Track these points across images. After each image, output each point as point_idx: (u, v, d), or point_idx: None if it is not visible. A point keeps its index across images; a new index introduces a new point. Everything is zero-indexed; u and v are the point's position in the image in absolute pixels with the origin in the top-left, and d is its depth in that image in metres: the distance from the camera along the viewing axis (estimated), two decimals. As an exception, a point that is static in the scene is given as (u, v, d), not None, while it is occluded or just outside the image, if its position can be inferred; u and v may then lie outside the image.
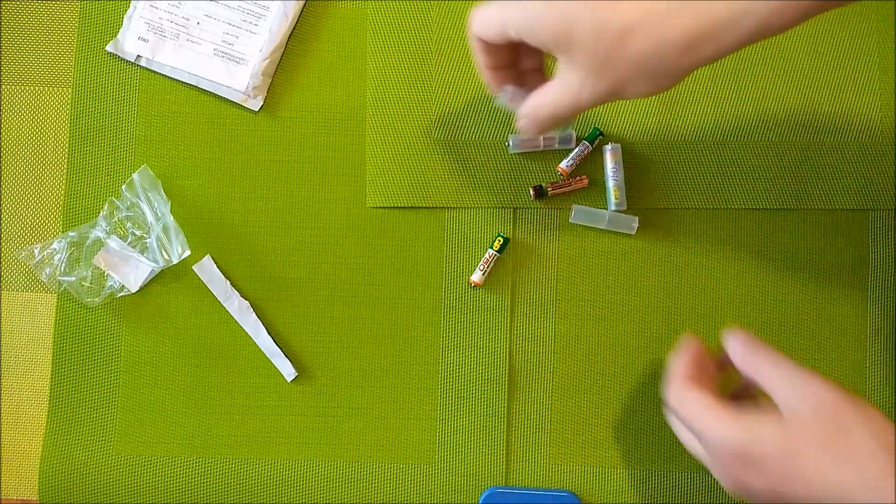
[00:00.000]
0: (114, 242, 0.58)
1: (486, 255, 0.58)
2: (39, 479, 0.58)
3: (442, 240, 0.59)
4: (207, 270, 0.59)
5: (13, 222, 0.60)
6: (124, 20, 0.60)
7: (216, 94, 0.60)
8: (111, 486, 0.58)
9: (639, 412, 0.58)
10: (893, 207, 0.58)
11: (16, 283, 0.60)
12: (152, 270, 0.58)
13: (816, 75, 0.59)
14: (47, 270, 0.58)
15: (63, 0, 0.61)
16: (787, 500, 0.42)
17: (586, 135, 0.59)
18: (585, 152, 0.58)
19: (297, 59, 0.60)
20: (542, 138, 0.58)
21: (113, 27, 0.60)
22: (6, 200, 0.60)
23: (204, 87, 0.60)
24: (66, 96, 0.60)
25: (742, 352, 0.47)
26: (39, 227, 0.60)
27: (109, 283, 0.58)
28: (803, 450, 0.42)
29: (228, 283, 0.59)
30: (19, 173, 0.60)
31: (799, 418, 0.42)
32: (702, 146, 0.59)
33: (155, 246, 0.57)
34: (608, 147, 0.58)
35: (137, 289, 0.58)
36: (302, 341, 0.59)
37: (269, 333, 0.58)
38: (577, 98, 0.43)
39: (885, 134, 0.59)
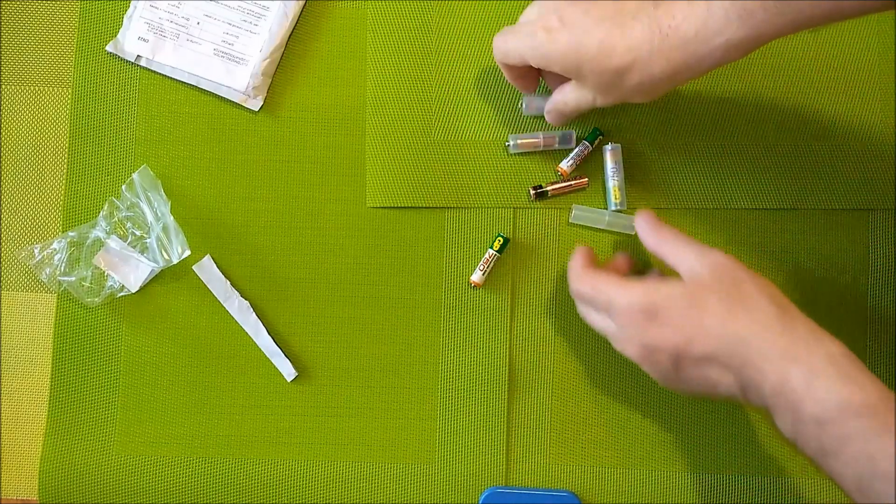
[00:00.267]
0: (114, 242, 0.58)
1: (486, 255, 0.58)
2: (39, 479, 0.58)
3: (442, 240, 0.59)
4: (207, 270, 0.59)
5: (13, 222, 0.60)
6: (124, 20, 0.60)
7: (216, 94, 0.60)
8: (111, 486, 0.58)
9: (639, 412, 0.58)
10: (893, 207, 0.58)
11: (16, 283, 0.60)
12: (152, 270, 0.58)
13: (816, 75, 0.59)
14: (47, 270, 0.58)
15: (63, 0, 0.61)
16: (689, 356, 0.47)
17: (586, 135, 0.59)
18: (585, 152, 0.58)
19: (297, 59, 0.60)
20: (542, 139, 0.58)
21: (113, 27, 0.60)
22: (6, 200, 0.60)
23: (204, 87, 0.60)
24: (66, 96, 0.60)
25: (648, 228, 0.52)
26: (39, 227, 0.60)
27: (109, 283, 0.58)
28: (703, 300, 0.47)
29: (228, 283, 0.59)
30: (19, 173, 0.60)
31: (699, 278, 0.48)
32: (702, 146, 0.59)
33: (155, 246, 0.57)
34: (608, 147, 0.58)
35: (137, 289, 0.58)
36: (302, 341, 0.59)
37: (269, 333, 0.58)
38: (591, 103, 0.52)
39: (885, 134, 0.59)
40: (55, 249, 0.58)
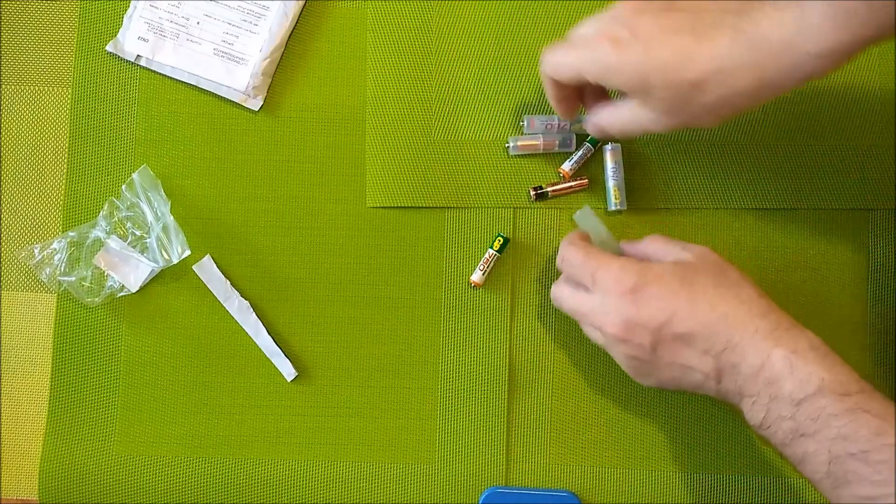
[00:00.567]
0: (114, 242, 0.58)
1: (486, 255, 0.58)
2: (39, 479, 0.58)
3: (442, 240, 0.59)
4: (207, 270, 0.59)
5: (13, 222, 0.60)
6: (124, 20, 0.60)
7: (216, 94, 0.60)
8: (111, 486, 0.58)
9: (639, 412, 0.58)
10: (893, 207, 0.58)
11: (16, 283, 0.60)
12: (152, 270, 0.58)
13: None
14: (47, 270, 0.58)
15: (63, 0, 0.61)
16: (671, 333, 0.47)
17: (588, 137, 0.59)
18: (588, 155, 0.58)
19: (297, 59, 0.60)
20: (542, 142, 0.58)
21: (113, 27, 0.60)
22: (6, 200, 0.60)
23: (204, 87, 0.60)
24: (66, 96, 0.60)
25: (630, 245, 0.53)
26: (39, 227, 0.60)
27: (109, 283, 0.58)
28: (693, 278, 0.47)
29: (228, 283, 0.59)
30: (19, 173, 0.60)
31: (688, 261, 0.49)
32: (701, 146, 0.59)
33: (155, 246, 0.57)
34: (608, 147, 0.58)
35: (137, 289, 0.58)
36: (302, 341, 0.59)
37: (269, 333, 0.58)
38: (644, 128, 0.48)
39: (885, 134, 0.59)
40: (55, 249, 0.58)
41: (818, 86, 0.59)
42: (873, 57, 0.59)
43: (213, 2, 0.60)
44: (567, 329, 0.59)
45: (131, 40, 0.60)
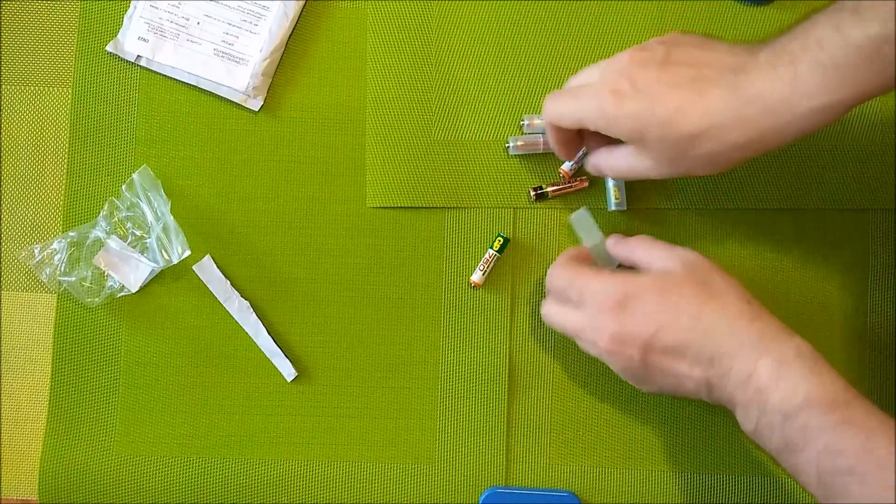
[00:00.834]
0: (114, 242, 0.58)
1: (486, 255, 0.58)
2: (39, 479, 0.58)
3: (442, 240, 0.59)
4: (207, 270, 0.59)
5: (13, 222, 0.60)
6: (124, 20, 0.60)
7: (216, 94, 0.60)
8: (111, 486, 0.58)
9: (639, 412, 0.58)
10: (893, 207, 0.58)
11: (16, 283, 0.60)
12: (152, 270, 0.58)
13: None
14: (47, 270, 0.58)
15: (63, 0, 0.61)
16: (659, 346, 0.47)
17: (586, 135, 0.59)
18: (586, 153, 0.58)
19: (297, 59, 0.60)
20: (542, 142, 0.58)
21: (113, 27, 0.60)
22: (6, 200, 0.60)
23: (204, 87, 0.60)
24: (66, 96, 0.60)
25: (615, 241, 0.53)
26: (39, 227, 0.60)
27: (109, 283, 0.58)
28: (676, 290, 0.48)
29: (228, 283, 0.59)
30: (19, 173, 0.60)
31: (671, 271, 0.49)
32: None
33: (155, 246, 0.57)
34: (608, 147, 0.58)
35: (137, 289, 0.58)
36: (302, 341, 0.59)
37: (269, 333, 0.58)
38: (644, 174, 0.50)
39: (885, 134, 0.59)
40: (55, 249, 0.58)
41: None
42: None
43: (213, 2, 0.60)
44: (567, 329, 0.59)
45: (131, 40, 0.60)
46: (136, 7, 0.60)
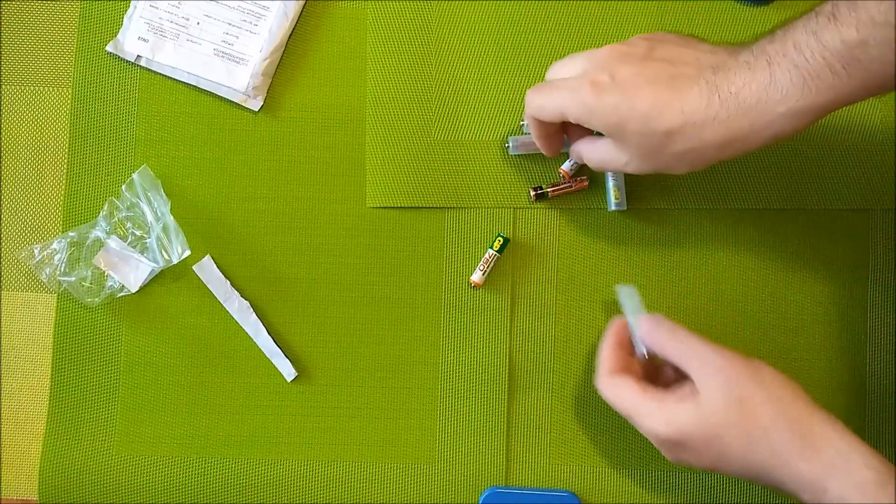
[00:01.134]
0: (114, 242, 0.58)
1: (486, 255, 0.58)
2: (39, 479, 0.58)
3: (442, 240, 0.59)
4: (207, 270, 0.59)
5: (13, 222, 0.60)
6: (124, 20, 0.60)
7: (216, 94, 0.60)
8: (111, 486, 0.58)
9: (639, 412, 0.58)
10: (893, 207, 0.58)
11: (16, 283, 0.60)
12: (152, 270, 0.58)
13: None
14: (47, 270, 0.58)
15: (63, 0, 0.61)
16: (723, 472, 0.48)
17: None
18: (585, 152, 0.58)
19: (297, 59, 0.60)
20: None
21: (113, 27, 0.60)
22: (6, 200, 0.60)
23: (204, 87, 0.60)
24: (66, 96, 0.60)
25: (648, 329, 0.51)
26: (39, 227, 0.60)
27: (109, 283, 0.58)
28: (720, 435, 0.46)
29: (228, 283, 0.59)
30: (19, 173, 0.60)
31: (711, 401, 0.47)
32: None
33: (155, 246, 0.57)
34: (608, 147, 0.58)
35: (137, 289, 0.58)
36: (302, 341, 0.59)
37: (269, 333, 0.58)
38: (622, 167, 0.50)
39: (885, 134, 0.59)
40: (55, 249, 0.58)
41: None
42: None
43: (213, 2, 0.60)
44: (567, 329, 0.59)
45: (131, 40, 0.60)
46: (136, 7, 0.60)
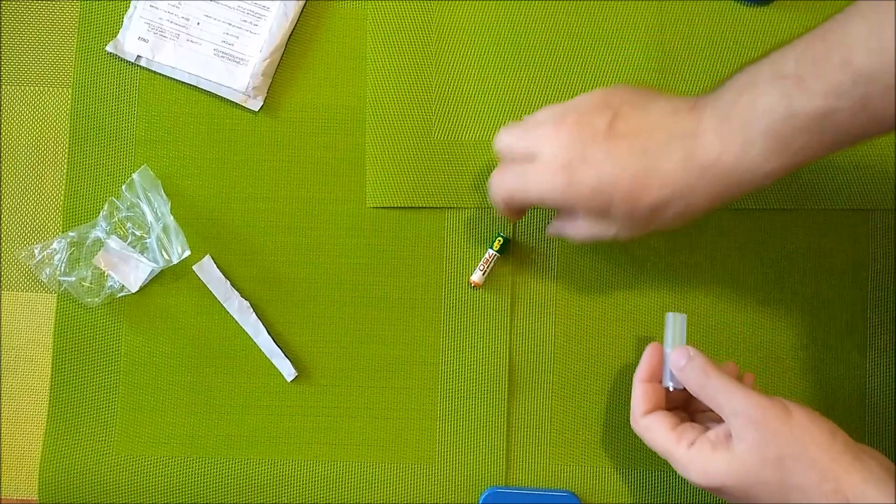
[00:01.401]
0: (114, 242, 0.58)
1: (486, 255, 0.58)
2: (39, 479, 0.58)
3: (442, 240, 0.59)
4: (207, 270, 0.59)
5: (13, 222, 0.60)
6: (124, 20, 0.60)
7: (216, 94, 0.60)
8: (111, 486, 0.58)
9: (639, 412, 0.58)
10: (893, 207, 0.58)
11: (16, 283, 0.60)
12: (152, 270, 0.58)
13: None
14: (47, 270, 0.58)
15: (63, 0, 0.61)
16: None
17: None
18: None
19: (297, 59, 0.60)
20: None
21: (113, 27, 0.60)
22: (6, 200, 0.60)
23: (204, 87, 0.60)
24: (66, 96, 0.60)
25: (682, 376, 0.50)
26: (39, 227, 0.60)
27: (109, 283, 0.58)
28: (756, 490, 0.45)
29: (228, 283, 0.59)
30: (19, 173, 0.60)
31: (746, 458, 0.46)
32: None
33: (155, 246, 0.57)
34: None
35: (137, 289, 0.58)
36: (302, 341, 0.59)
37: (269, 333, 0.58)
38: (609, 239, 0.49)
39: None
40: (55, 249, 0.58)
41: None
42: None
43: (213, 2, 0.60)
44: (567, 329, 0.59)
45: (131, 40, 0.60)
46: (136, 7, 0.60)
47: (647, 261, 0.59)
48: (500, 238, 0.58)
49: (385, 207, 0.59)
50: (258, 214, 0.59)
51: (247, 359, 0.59)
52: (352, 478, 0.58)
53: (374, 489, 0.58)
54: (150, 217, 0.58)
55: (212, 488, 0.58)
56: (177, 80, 0.60)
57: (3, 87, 0.61)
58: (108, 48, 0.60)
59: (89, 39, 0.60)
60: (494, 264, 0.58)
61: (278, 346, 0.58)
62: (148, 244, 0.58)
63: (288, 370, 0.58)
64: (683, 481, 0.57)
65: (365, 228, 0.59)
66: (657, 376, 0.52)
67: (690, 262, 0.59)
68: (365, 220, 0.59)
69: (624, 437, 0.58)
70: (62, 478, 0.58)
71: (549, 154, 0.47)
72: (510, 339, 0.59)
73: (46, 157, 0.60)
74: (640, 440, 0.55)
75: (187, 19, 0.60)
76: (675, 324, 0.53)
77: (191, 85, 0.60)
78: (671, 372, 0.51)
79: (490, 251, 0.58)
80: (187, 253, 0.56)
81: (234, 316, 0.59)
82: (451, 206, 0.59)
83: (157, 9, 0.60)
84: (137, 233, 0.58)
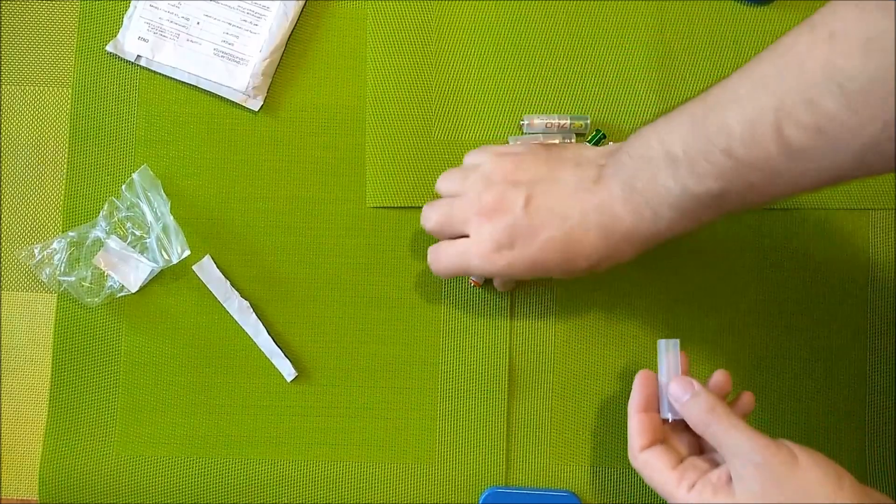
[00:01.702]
0: (114, 242, 0.58)
1: (486, 255, 0.58)
2: (39, 479, 0.58)
3: (442, 240, 0.59)
4: (207, 270, 0.59)
5: (13, 222, 0.60)
6: (124, 20, 0.60)
7: (216, 94, 0.60)
8: (111, 486, 0.58)
9: (639, 412, 0.58)
10: (893, 207, 0.58)
11: (16, 283, 0.60)
12: (152, 270, 0.58)
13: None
14: (47, 270, 0.58)
15: (63, 0, 0.61)
16: None
17: (588, 137, 0.59)
18: (585, 152, 0.58)
19: (297, 59, 0.60)
20: (542, 141, 0.58)
21: (113, 27, 0.60)
22: (6, 200, 0.60)
23: (204, 87, 0.60)
24: (66, 96, 0.60)
25: (682, 409, 0.49)
26: (39, 227, 0.60)
27: (109, 283, 0.58)
28: None
29: (228, 283, 0.59)
30: (19, 173, 0.60)
31: (749, 499, 0.45)
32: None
33: (155, 246, 0.57)
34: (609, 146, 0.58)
35: (137, 289, 0.58)
36: (302, 341, 0.59)
37: (269, 333, 0.58)
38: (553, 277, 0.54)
39: (885, 134, 0.59)
40: (55, 249, 0.58)
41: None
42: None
43: (213, 2, 0.60)
44: (567, 329, 0.59)
45: (131, 40, 0.60)
46: (136, 7, 0.60)
47: (646, 261, 0.59)
48: (500, 238, 0.58)
49: (385, 207, 0.59)
50: (258, 214, 0.59)
51: (247, 359, 0.59)
52: (352, 478, 0.58)
53: (374, 489, 0.58)
54: (149, 217, 0.58)
55: (212, 488, 0.58)
56: (177, 79, 0.60)
57: (3, 86, 0.61)
58: (108, 48, 0.60)
59: (89, 39, 0.60)
60: (494, 264, 0.58)
61: (278, 346, 0.58)
62: (148, 244, 0.58)
63: (288, 370, 0.58)
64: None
65: (365, 228, 0.59)
66: (653, 406, 0.51)
67: (690, 262, 0.59)
68: (365, 220, 0.59)
69: (624, 437, 0.58)
70: (62, 478, 0.58)
71: (479, 237, 0.50)
72: (510, 339, 0.59)
73: (46, 157, 0.60)
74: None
75: (187, 19, 0.60)
76: (668, 351, 0.51)
77: (191, 85, 0.60)
78: (669, 403, 0.50)
79: (490, 251, 0.58)
80: (187, 253, 0.56)
81: (234, 316, 0.59)
82: (451, 206, 0.59)
83: (157, 8, 0.60)
84: (137, 233, 0.58)
